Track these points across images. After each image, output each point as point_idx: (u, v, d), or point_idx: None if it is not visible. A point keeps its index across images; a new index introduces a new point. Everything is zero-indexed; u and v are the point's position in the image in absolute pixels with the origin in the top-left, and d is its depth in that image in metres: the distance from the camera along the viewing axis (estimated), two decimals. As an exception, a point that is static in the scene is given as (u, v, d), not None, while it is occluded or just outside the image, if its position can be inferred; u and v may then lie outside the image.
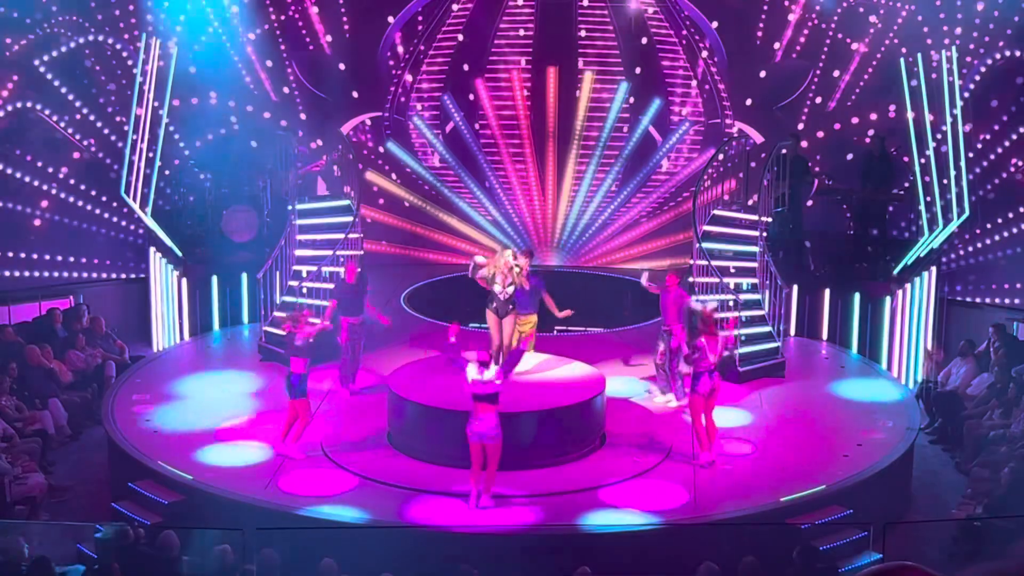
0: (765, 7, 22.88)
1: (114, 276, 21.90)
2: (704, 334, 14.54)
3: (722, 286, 17.87)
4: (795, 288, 19.51)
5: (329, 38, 23.32)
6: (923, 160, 19.58)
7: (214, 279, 20.40)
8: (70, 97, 21.63)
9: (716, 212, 19.96)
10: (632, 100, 23.13)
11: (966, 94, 20.76)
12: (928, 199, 19.34)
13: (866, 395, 17.29)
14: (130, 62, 21.55)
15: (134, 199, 19.57)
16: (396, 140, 23.49)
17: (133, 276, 21.83)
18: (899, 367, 19.26)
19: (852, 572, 12.83)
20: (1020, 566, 3.69)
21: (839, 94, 22.64)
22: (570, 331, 20.16)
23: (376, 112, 23.56)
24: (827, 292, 19.77)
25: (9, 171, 21.00)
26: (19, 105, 21.14)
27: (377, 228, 22.90)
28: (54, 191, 21.40)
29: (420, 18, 23.51)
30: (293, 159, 20.54)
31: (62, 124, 21.48)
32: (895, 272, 19.54)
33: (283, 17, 23.13)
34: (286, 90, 23.20)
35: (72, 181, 21.59)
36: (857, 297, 19.58)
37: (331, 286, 17.73)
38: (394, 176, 23.56)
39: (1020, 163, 21.06)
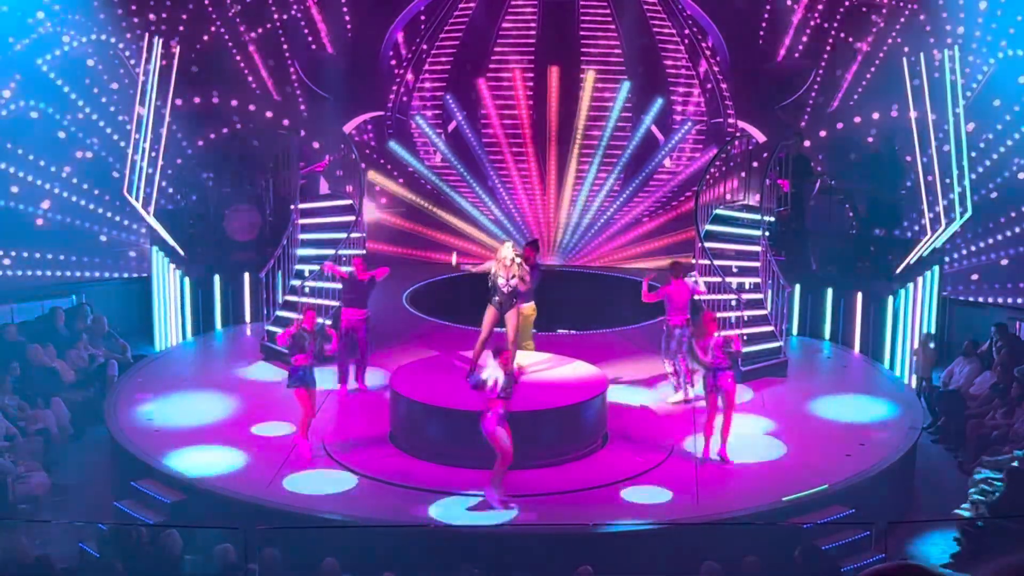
0: (768, 6, 22.88)
1: (116, 275, 21.91)
2: (703, 335, 14.63)
3: (724, 285, 17.86)
4: (797, 287, 19.50)
5: (331, 37, 23.32)
6: (925, 159, 19.58)
7: (216, 278, 20.40)
8: (72, 96, 21.64)
9: (718, 211, 19.96)
10: (634, 99, 23.12)
11: (968, 93, 20.75)
12: (930, 198, 19.33)
13: (868, 394, 17.28)
14: (132, 61, 21.57)
15: (137, 199, 19.58)
16: (398, 139, 23.49)
17: (136, 275, 21.83)
18: (901, 366, 19.25)
19: (855, 572, 12.82)
20: None
21: (841, 93, 22.64)
22: (569, 331, 20.16)
23: (378, 111, 23.57)
24: (830, 291, 19.76)
25: (12, 170, 21.02)
26: (22, 104, 21.15)
27: (379, 227, 22.88)
28: (57, 190, 21.41)
29: (422, 17, 23.52)
30: (295, 158, 20.54)
31: (65, 123, 21.49)
32: (897, 271, 19.52)
33: (285, 16, 23.14)
34: (288, 89, 23.20)
35: (75, 181, 21.60)
36: (860, 296, 19.56)
37: (336, 285, 17.74)
38: (397, 175, 23.56)
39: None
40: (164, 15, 22.34)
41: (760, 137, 22.46)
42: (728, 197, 20.70)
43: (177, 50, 20.51)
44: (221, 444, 15.24)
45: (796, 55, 22.99)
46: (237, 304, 20.42)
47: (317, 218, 20.08)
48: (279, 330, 16.15)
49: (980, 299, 21.09)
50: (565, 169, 23.41)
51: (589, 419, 15.20)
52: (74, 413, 17.55)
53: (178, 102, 21.07)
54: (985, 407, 17.23)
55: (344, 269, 17.39)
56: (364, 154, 22.79)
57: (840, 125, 22.53)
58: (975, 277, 21.38)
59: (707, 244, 18.42)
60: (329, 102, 23.16)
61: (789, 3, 22.81)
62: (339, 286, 17.50)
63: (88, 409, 17.78)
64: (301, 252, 19.36)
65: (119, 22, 22.09)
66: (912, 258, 19.42)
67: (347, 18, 23.37)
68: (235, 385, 17.30)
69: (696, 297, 16.68)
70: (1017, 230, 21.03)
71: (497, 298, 15.28)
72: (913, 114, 19.55)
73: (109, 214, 21.93)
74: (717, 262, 18.09)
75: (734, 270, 18.84)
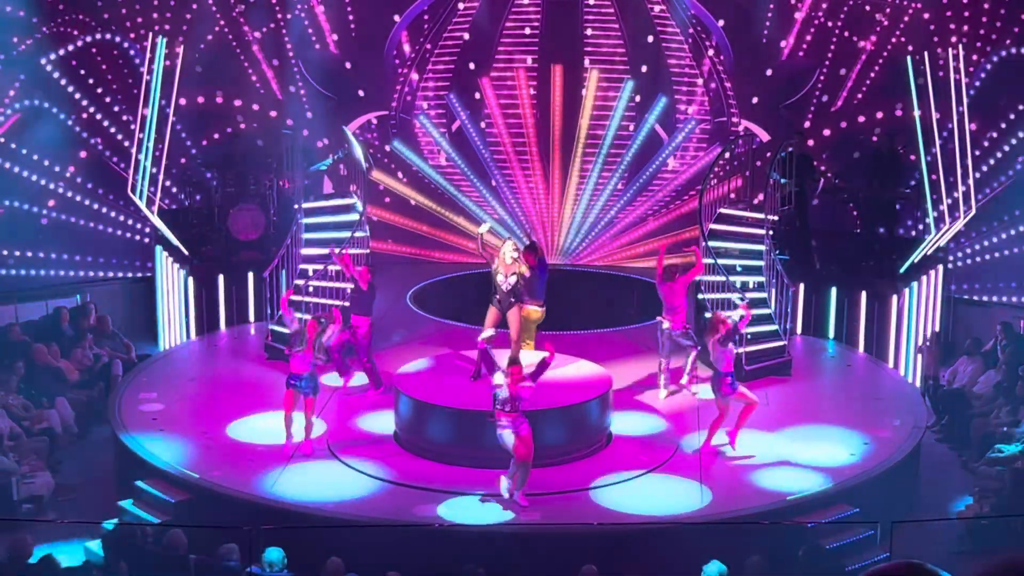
0: (772, 5, 22.87)
1: (121, 275, 21.93)
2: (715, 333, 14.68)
3: (728, 284, 17.86)
4: (801, 287, 19.50)
5: (335, 37, 23.33)
6: (930, 158, 19.56)
7: (220, 278, 20.40)
8: (77, 96, 21.66)
9: (722, 211, 19.95)
10: (638, 98, 23.12)
11: (972, 92, 20.73)
12: (935, 197, 19.32)
13: (873, 394, 17.28)
14: (137, 61, 21.58)
15: (141, 198, 19.60)
16: (402, 139, 23.50)
17: (140, 275, 21.85)
18: (905, 366, 19.24)
19: (859, 571, 12.81)
20: None
21: (845, 92, 22.63)
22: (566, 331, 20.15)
23: (382, 111, 23.57)
24: (833, 290, 19.75)
25: (16, 170, 21.04)
26: (26, 104, 21.17)
27: (383, 227, 22.90)
28: (61, 190, 21.43)
29: (426, 17, 23.52)
30: (299, 158, 20.55)
31: (69, 123, 21.51)
32: (902, 270, 19.51)
33: (289, 16, 23.15)
34: (292, 89, 23.22)
35: (79, 180, 21.62)
36: (864, 295, 19.55)
37: (340, 285, 17.77)
38: (400, 175, 23.56)
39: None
40: (168, 15, 22.35)
41: (764, 136, 22.45)
42: (732, 196, 20.71)
43: (181, 50, 20.52)
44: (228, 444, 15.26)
45: (800, 54, 22.97)
46: (241, 304, 20.43)
47: (321, 217, 20.09)
48: (284, 329, 16.15)
49: (984, 298, 21.07)
50: (569, 168, 23.41)
51: (593, 418, 15.20)
52: (78, 413, 17.57)
53: (182, 102, 21.09)
54: (989, 406, 17.22)
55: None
56: (368, 153, 22.80)
57: (844, 124, 22.51)
58: (979, 276, 21.36)
59: (711, 243, 18.42)
60: (333, 102, 23.16)
61: (793, 1, 22.80)
62: (344, 286, 17.50)
63: (92, 409, 17.82)
64: (305, 252, 19.37)
65: (123, 22, 22.10)
66: (916, 257, 19.41)
67: (351, 17, 23.38)
68: (238, 384, 17.32)
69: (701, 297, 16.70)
70: (1021, 228, 21.02)
71: (497, 296, 15.27)
72: (917, 113, 19.54)
73: (113, 214, 21.94)
74: (721, 261, 18.09)
75: (738, 269, 18.84)
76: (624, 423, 15.71)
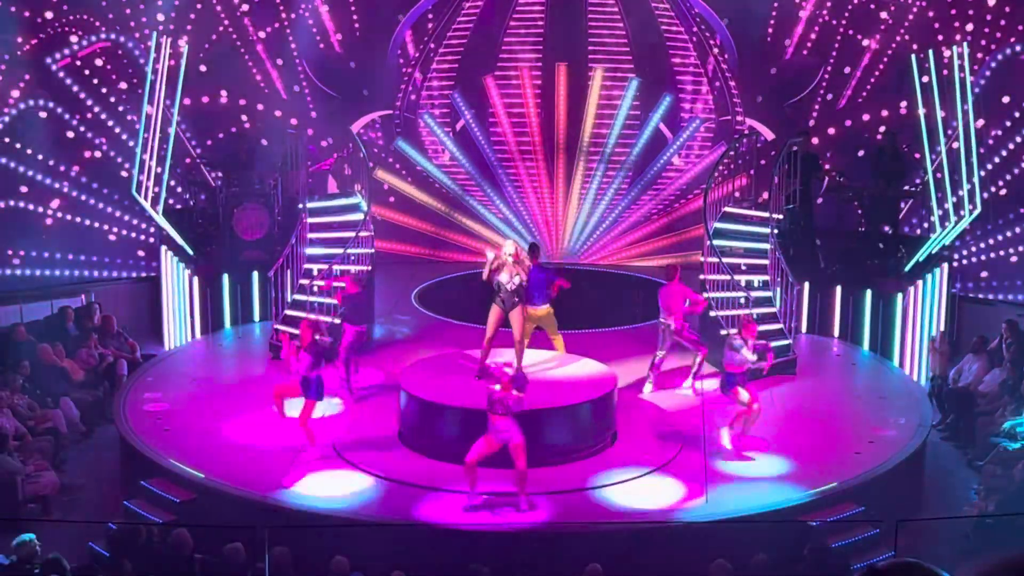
0: (776, 4, 22.86)
1: (125, 275, 21.94)
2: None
3: (733, 283, 17.85)
4: (806, 285, 19.48)
5: (339, 36, 23.34)
6: (935, 156, 19.54)
7: (225, 277, 20.41)
8: (81, 96, 21.68)
9: (727, 209, 19.94)
10: (642, 98, 23.11)
11: (977, 90, 20.71)
12: (940, 195, 19.30)
13: (878, 392, 17.27)
14: (141, 61, 21.60)
15: (145, 198, 19.61)
16: (406, 138, 23.50)
17: (144, 275, 21.86)
18: (911, 364, 19.22)
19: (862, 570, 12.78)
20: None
21: (850, 91, 22.63)
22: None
23: (386, 110, 23.58)
24: (838, 289, 19.73)
25: (21, 170, 21.06)
26: (31, 104, 21.19)
27: (387, 226, 22.91)
28: (65, 190, 21.44)
29: (430, 16, 23.53)
30: (303, 157, 20.56)
31: (73, 123, 21.53)
32: (907, 269, 19.49)
33: (293, 16, 23.17)
34: (296, 88, 23.22)
35: (84, 180, 21.64)
36: (869, 294, 19.54)
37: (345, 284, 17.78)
38: (404, 174, 23.57)
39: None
40: (172, 14, 22.36)
41: (769, 134, 22.45)
42: (737, 195, 20.70)
43: (185, 49, 20.53)
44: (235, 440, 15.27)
45: (805, 52, 22.96)
46: (246, 303, 20.44)
47: (325, 217, 20.10)
48: (290, 329, 16.17)
49: (989, 296, 21.05)
50: (573, 167, 23.41)
51: (598, 417, 15.20)
52: (83, 412, 17.58)
53: (186, 101, 21.10)
54: (995, 404, 17.19)
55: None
56: (372, 153, 22.82)
57: (849, 122, 22.51)
58: (984, 274, 21.34)
59: (716, 242, 18.41)
60: (337, 101, 23.17)
61: (798, 0, 22.79)
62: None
63: (97, 408, 17.83)
64: (310, 251, 19.38)
65: (127, 21, 22.12)
66: (921, 255, 19.39)
67: (355, 17, 23.38)
68: (243, 384, 17.33)
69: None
70: (1026, 227, 21.02)
71: (501, 296, 15.26)
72: (922, 111, 19.53)
73: (118, 213, 21.95)
74: (726, 260, 18.07)
75: (743, 268, 18.83)
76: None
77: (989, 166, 21.07)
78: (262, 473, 14.37)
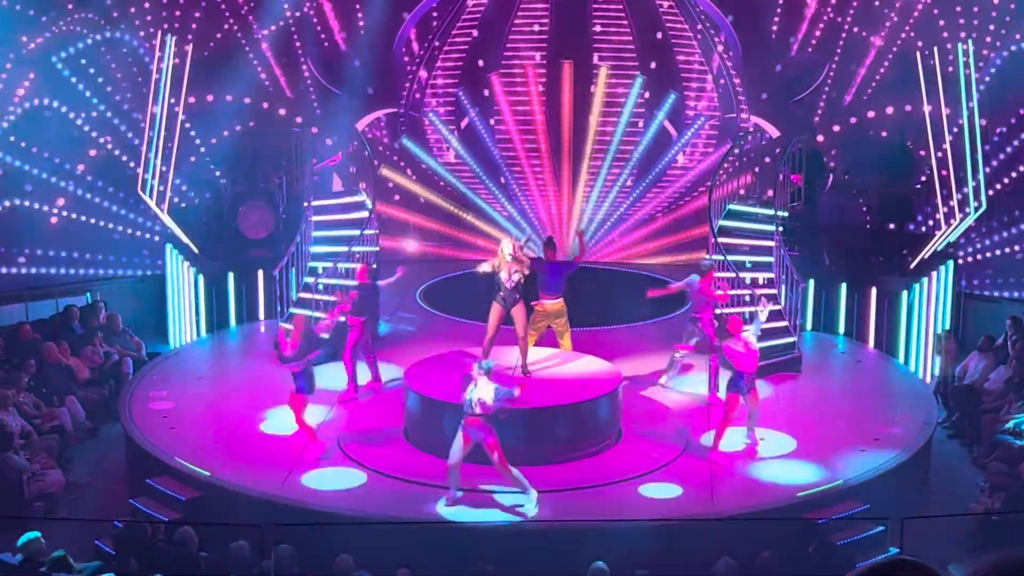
0: (780, 1, 22.84)
1: (131, 273, 21.96)
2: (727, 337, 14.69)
3: (738, 280, 17.85)
4: (811, 282, 19.47)
5: (344, 34, 23.34)
6: (939, 154, 19.52)
7: (230, 276, 20.42)
8: (87, 94, 21.69)
9: (732, 207, 19.93)
10: (647, 95, 23.10)
11: (982, 87, 20.68)
12: (945, 193, 19.28)
13: (883, 390, 17.26)
14: (147, 59, 21.61)
15: (151, 196, 19.62)
16: (411, 136, 23.51)
17: (150, 273, 21.88)
18: (916, 362, 19.21)
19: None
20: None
21: (855, 88, 22.59)
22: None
23: (391, 108, 23.59)
24: (844, 286, 19.72)
25: (26, 168, 21.07)
26: (36, 102, 21.21)
27: (393, 224, 22.89)
28: (71, 188, 21.46)
29: (435, 14, 23.53)
30: (308, 155, 20.57)
31: (79, 121, 21.54)
32: (912, 266, 19.47)
33: (298, 14, 23.17)
34: (301, 87, 23.23)
35: (89, 178, 21.65)
36: (874, 291, 19.52)
37: (349, 283, 17.79)
38: (410, 172, 23.58)
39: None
40: (177, 13, 22.37)
41: (773, 132, 22.43)
42: (742, 192, 20.69)
43: (190, 48, 20.54)
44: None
45: (809, 49, 22.94)
46: (251, 301, 20.46)
47: (330, 215, 20.11)
48: (292, 327, 16.19)
49: (995, 293, 21.02)
50: (578, 165, 23.39)
51: (603, 415, 15.20)
52: (89, 411, 17.61)
53: (191, 100, 21.11)
54: (1000, 402, 17.18)
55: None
56: (377, 151, 22.82)
57: (854, 120, 22.48)
58: (990, 271, 21.30)
59: (721, 239, 18.40)
60: (342, 99, 23.17)
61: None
62: (352, 282, 17.52)
63: (103, 407, 17.85)
64: (315, 249, 19.39)
65: (132, 20, 22.13)
66: (926, 253, 19.37)
67: (360, 15, 23.39)
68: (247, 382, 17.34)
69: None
70: (1032, 224, 20.98)
71: (501, 294, 15.27)
72: (927, 108, 19.50)
73: (124, 212, 21.96)
74: (731, 257, 18.07)
75: (748, 265, 18.82)
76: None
77: (994, 163, 21.03)
78: (268, 471, 14.39)
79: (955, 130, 19.62)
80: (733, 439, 14.91)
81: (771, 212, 19.13)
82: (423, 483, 14.07)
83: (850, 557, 12.93)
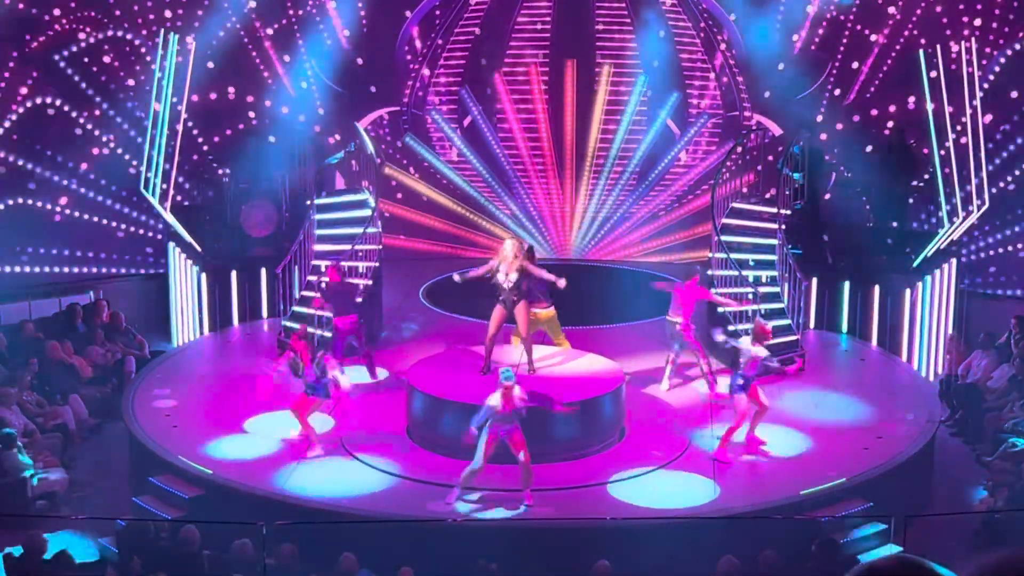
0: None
1: (134, 272, 21.96)
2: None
3: (741, 279, 17.85)
4: (814, 281, 19.46)
5: (347, 32, 23.34)
6: (943, 152, 19.50)
7: (233, 274, 20.41)
8: (89, 92, 21.69)
9: (734, 205, 19.92)
10: (650, 93, 23.09)
11: (986, 85, 20.67)
12: (948, 191, 19.26)
13: (886, 388, 17.25)
14: (148, 58, 21.61)
15: (153, 195, 19.62)
16: (414, 134, 23.51)
17: (153, 272, 21.88)
18: (919, 360, 19.19)
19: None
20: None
21: (858, 86, 22.57)
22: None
23: (394, 107, 23.59)
24: (846, 285, 19.70)
25: (29, 167, 21.08)
26: (39, 101, 21.21)
27: (395, 222, 22.89)
28: (74, 187, 21.46)
29: (438, 12, 23.52)
30: (311, 154, 20.56)
31: (81, 120, 21.54)
32: (915, 264, 19.45)
33: (301, 12, 23.17)
34: (304, 85, 23.23)
35: (92, 177, 21.65)
36: (877, 289, 19.50)
37: (353, 281, 17.80)
38: (412, 170, 23.57)
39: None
40: (180, 11, 22.37)
41: (776, 130, 22.43)
42: (744, 191, 20.68)
43: (193, 46, 20.54)
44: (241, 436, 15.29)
45: (812, 47, 22.92)
46: (254, 299, 20.44)
47: (333, 213, 20.11)
48: (295, 326, 16.20)
49: (998, 291, 21.00)
50: (581, 163, 23.39)
51: (606, 413, 15.20)
52: (92, 409, 17.61)
53: (194, 98, 21.11)
54: (1003, 400, 17.17)
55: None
56: (380, 149, 22.82)
57: (856, 118, 22.46)
58: (993, 269, 21.29)
59: (723, 238, 18.39)
60: (345, 97, 23.17)
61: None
62: (356, 281, 17.54)
63: (106, 405, 17.85)
64: (318, 247, 19.40)
65: (135, 18, 22.12)
66: (929, 251, 19.35)
67: (362, 13, 23.38)
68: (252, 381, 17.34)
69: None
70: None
71: (501, 295, 15.32)
72: (930, 106, 19.48)
73: (126, 210, 21.96)
74: (733, 255, 18.06)
75: (751, 263, 18.81)
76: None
77: (997, 161, 21.02)
78: (270, 469, 14.39)
79: (958, 128, 19.60)
80: (736, 438, 14.90)
81: (774, 210, 19.11)
82: (427, 481, 14.07)
83: (853, 555, 12.93)
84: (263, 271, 20.23)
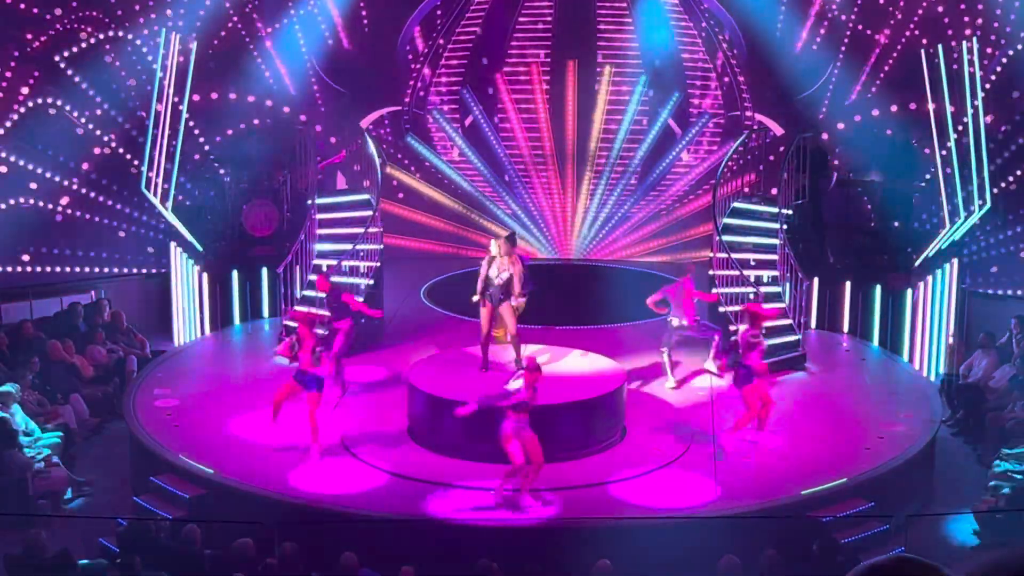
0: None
1: (135, 271, 21.95)
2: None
3: (742, 278, 17.84)
4: (815, 280, 19.45)
5: (348, 32, 23.34)
6: (944, 152, 19.49)
7: (234, 274, 20.42)
8: (90, 92, 21.69)
9: (736, 204, 19.91)
10: (651, 93, 23.08)
11: (987, 84, 20.65)
12: (949, 190, 19.25)
13: (887, 387, 17.24)
14: (150, 57, 21.60)
15: (155, 194, 19.62)
16: (415, 134, 23.51)
17: (154, 271, 21.87)
18: (920, 359, 19.18)
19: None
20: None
21: (859, 85, 22.56)
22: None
23: (395, 106, 23.58)
24: (848, 284, 19.69)
25: (31, 167, 21.08)
26: (40, 101, 21.20)
27: (396, 222, 22.87)
28: (75, 187, 21.46)
29: (439, 12, 23.52)
30: (312, 153, 20.56)
31: (83, 119, 21.53)
32: (916, 264, 19.45)
33: (302, 11, 23.16)
34: (305, 85, 23.22)
35: (93, 176, 21.64)
36: (878, 289, 19.50)
37: (355, 280, 17.79)
38: (414, 170, 23.57)
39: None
40: (181, 11, 22.36)
41: (778, 130, 22.42)
42: (746, 190, 20.67)
43: (194, 46, 20.54)
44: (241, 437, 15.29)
45: (814, 47, 22.91)
46: (255, 299, 20.45)
47: (334, 213, 20.11)
48: (295, 325, 16.20)
49: (999, 291, 20.98)
50: (583, 163, 23.38)
51: (608, 413, 15.19)
52: (93, 408, 17.61)
53: (195, 98, 21.10)
54: (1004, 400, 17.16)
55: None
56: (381, 149, 22.81)
57: (858, 117, 22.44)
58: (994, 269, 21.28)
59: (725, 237, 18.39)
60: (346, 97, 23.17)
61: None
62: (359, 281, 17.54)
63: (107, 404, 17.86)
64: (319, 247, 19.40)
65: (136, 18, 22.12)
66: (930, 251, 19.34)
67: (364, 13, 23.38)
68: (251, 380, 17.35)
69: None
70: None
71: (490, 291, 15.42)
72: (932, 106, 19.47)
73: (127, 210, 21.96)
74: (735, 255, 18.05)
75: (752, 263, 18.80)
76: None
77: (999, 161, 21.00)
78: (272, 469, 14.39)
79: (960, 128, 19.59)
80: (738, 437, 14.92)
81: (775, 210, 19.11)
82: (428, 481, 14.07)
83: (854, 555, 12.92)
84: (264, 271, 20.24)
